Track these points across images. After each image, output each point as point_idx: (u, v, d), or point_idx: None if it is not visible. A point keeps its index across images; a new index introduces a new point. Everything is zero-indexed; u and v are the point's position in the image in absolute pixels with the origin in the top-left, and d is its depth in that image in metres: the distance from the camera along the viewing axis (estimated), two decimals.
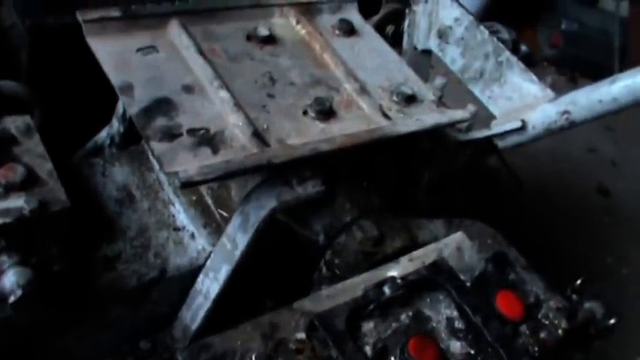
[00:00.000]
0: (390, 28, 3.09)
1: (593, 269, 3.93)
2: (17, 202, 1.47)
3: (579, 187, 4.61)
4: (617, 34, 5.45)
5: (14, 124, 1.63)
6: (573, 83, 5.51)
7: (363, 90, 1.80)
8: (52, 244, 1.55)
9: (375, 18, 3.90)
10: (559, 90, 2.18)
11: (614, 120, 4.61)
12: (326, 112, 1.69)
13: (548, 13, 5.85)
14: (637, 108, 2.01)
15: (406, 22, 2.48)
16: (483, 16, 5.38)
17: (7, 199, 1.48)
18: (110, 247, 1.72)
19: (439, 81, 2.10)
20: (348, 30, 1.99)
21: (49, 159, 1.59)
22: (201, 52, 1.70)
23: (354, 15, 2.07)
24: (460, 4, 2.32)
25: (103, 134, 1.98)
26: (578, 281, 1.76)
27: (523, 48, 5.48)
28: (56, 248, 1.56)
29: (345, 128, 1.68)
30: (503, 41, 5.19)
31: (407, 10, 2.49)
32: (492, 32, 5.12)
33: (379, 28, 4.06)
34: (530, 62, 5.55)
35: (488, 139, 2.16)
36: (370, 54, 1.97)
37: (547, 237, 3.97)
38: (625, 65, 5.24)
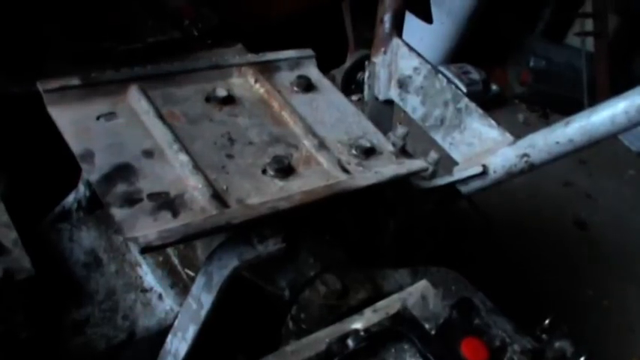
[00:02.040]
0: (360, 75, 3.15)
1: (574, 302, 3.95)
2: None
3: (556, 221, 4.66)
4: (585, 69, 5.54)
5: None
6: (545, 119, 5.59)
7: (321, 145, 1.83)
8: (18, 312, 1.57)
9: (345, 66, 3.97)
10: (532, 126, 2.22)
11: (587, 153, 4.69)
12: (285, 170, 1.71)
13: (516, 52, 5.95)
14: (608, 141, 2.05)
15: (366, 74, 2.52)
16: (453, 57, 5.48)
17: None
18: (78, 312, 1.74)
19: (401, 130, 2.14)
20: (306, 86, 2.03)
21: (13, 228, 1.61)
22: (160, 117, 1.73)
23: (312, 70, 2.11)
24: (418, 54, 2.37)
25: (70, 199, 2.01)
26: (547, 320, 1.78)
27: (494, 87, 5.56)
28: (23, 316, 1.58)
29: (304, 185, 1.71)
30: (473, 81, 5.28)
31: (366, 63, 2.54)
32: (463, 73, 5.22)
33: (349, 76, 4.13)
34: (502, 101, 5.63)
35: (452, 186, 2.19)
36: (328, 109, 2.00)
37: (526, 272, 4.01)
38: (594, 98, 5.33)
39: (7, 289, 1.52)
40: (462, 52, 5.51)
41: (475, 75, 5.36)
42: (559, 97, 5.59)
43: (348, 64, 4.09)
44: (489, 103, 5.21)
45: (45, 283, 1.62)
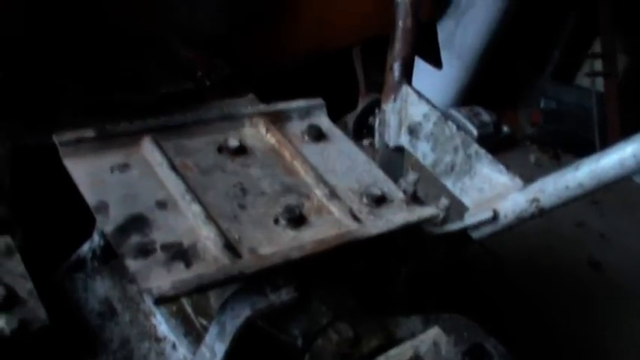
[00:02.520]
0: (372, 119, 3.18)
1: (590, 345, 3.93)
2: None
3: (570, 262, 4.65)
4: (595, 109, 5.57)
5: None
6: (556, 160, 5.60)
7: (333, 194, 1.85)
8: None
9: (357, 111, 4.01)
10: (544, 167, 2.24)
11: (599, 193, 4.69)
12: (296, 220, 1.73)
13: (527, 93, 5.99)
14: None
15: (377, 121, 2.55)
16: (464, 100, 5.52)
17: None
18: None
19: (412, 176, 2.15)
20: (317, 135, 2.05)
21: (29, 278, 1.64)
22: (173, 168, 1.76)
23: (322, 119, 2.14)
24: (428, 100, 2.40)
25: (85, 248, 2.03)
26: None
27: (505, 129, 5.59)
28: None
29: (316, 234, 1.73)
30: (484, 123, 5.31)
31: (376, 110, 2.56)
32: (474, 115, 5.25)
33: (361, 121, 4.18)
34: (513, 142, 5.65)
35: (463, 231, 2.20)
36: (339, 157, 2.02)
37: (540, 314, 3.99)
38: (605, 138, 5.35)
39: (22, 340, 1.53)
40: (472, 94, 5.55)
41: (486, 117, 5.39)
42: (570, 137, 5.61)
43: (359, 108, 4.13)
44: (501, 145, 5.24)
45: (60, 332, 1.63)
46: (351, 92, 3.90)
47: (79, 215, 1.91)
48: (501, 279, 3.77)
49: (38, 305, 1.59)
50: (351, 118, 4.16)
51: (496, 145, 4.95)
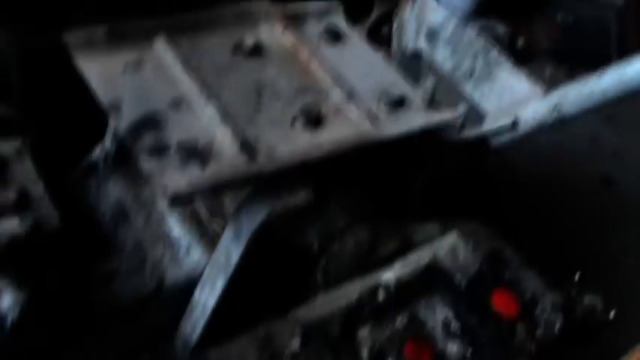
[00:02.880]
0: (385, 29, 3.10)
1: (598, 260, 3.92)
2: (10, 224, 1.49)
3: (581, 178, 4.59)
4: (614, 24, 5.44)
5: (5, 147, 1.64)
6: (572, 75, 5.50)
7: (350, 96, 1.80)
8: (47, 265, 1.57)
9: (370, 20, 3.91)
10: (558, 83, 2.18)
11: (615, 109, 4.62)
12: (314, 121, 1.69)
13: (543, 7, 5.85)
14: (637, 97, 2.01)
15: (395, 25, 2.48)
16: (479, 10, 5.39)
17: (0, 221, 1.49)
18: (107, 264, 1.74)
19: (429, 82, 2.10)
20: (334, 36, 1.99)
21: (41, 181, 1.61)
22: (187, 67, 1.71)
23: (340, 21, 2.07)
24: (446, 5, 2.33)
25: (97, 152, 1.99)
26: (577, 276, 1.77)
27: (520, 42, 5.47)
28: (51, 268, 1.58)
29: (334, 135, 1.69)
30: (499, 35, 5.20)
31: (395, 13, 2.49)
32: (488, 27, 5.13)
33: (374, 30, 4.08)
34: (528, 56, 5.54)
35: (482, 138, 2.16)
36: (357, 59, 1.97)
37: (550, 229, 3.96)
38: (623, 54, 5.24)
39: (36, 241, 1.51)
40: (489, 4, 5.42)
41: (501, 29, 5.27)
42: (586, 53, 5.49)
43: (372, 18, 4.03)
44: (515, 59, 5.14)
45: (73, 235, 1.61)
46: (361, 3, 3.81)
47: (90, 118, 1.88)
48: (515, 192, 3.73)
49: (50, 207, 1.56)
50: (362, 29, 4.06)
51: (510, 58, 4.85)
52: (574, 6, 5.61)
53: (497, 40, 5.11)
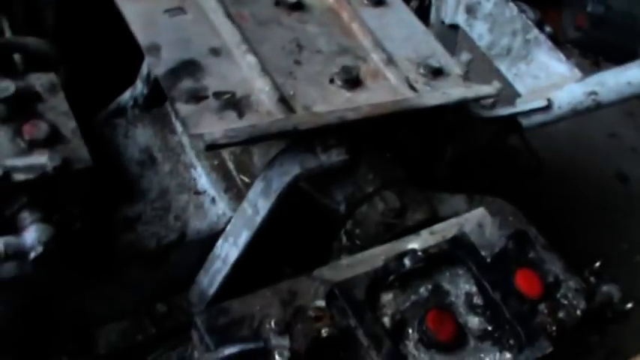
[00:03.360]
0: (414, 3, 3.06)
1: (608, 254, 3.90)
2: (40, 158, 1.47)
3: (598, 173, 4.58)
4: None
5: (39, 81, 1.62)
6: (597, 67, 5.46)
7: (390, 61, 1.79)
8: (73, 203, 1.56)
9: None
10: (583, 74, 2.16)
11: (635, 105, 4.58)
12: (352, 81, 1.68)
13: None
14: None
15: None
16: None
17: (30, 155, 1.48)
18: (131, 209, 1.72)
19: (465, 56, 2.08)
20: (377, 0, 1.97)
21: (73, 117, 1.59)
22: (229, 16, 1.69)
23: None
24: None
25: (127, 95, 1.98)
26: (597, 264, 1.76)
27: (547, 29, 5.42)
28: (78, 207, 1.56)
29: (371, 98, 1.67)
30: None
31: None
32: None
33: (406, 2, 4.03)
34: (554, 44, 5.49)
35: (513, 117, 2.14)
36: (398, 25, 1.95)
37: (563, 220, 3.95)
38: None
39: (65, 178, 1.50)
40: None
41: (529, 14, 5.22)
42: (613, 45, 5.44)
43: None
44: None
45: (100, 176, 1.59)
46: None
47: (123, 59, 1.86)
48: (536, 181, 3.72)
49: (81, 145, 1.55)
50: None
51: None
52: None
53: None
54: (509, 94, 2.23)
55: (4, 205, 1.46)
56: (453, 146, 2.02)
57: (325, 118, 1.55)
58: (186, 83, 1.52)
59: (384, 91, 1.72)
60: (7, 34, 1.90)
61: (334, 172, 1.65)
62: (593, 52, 5.59)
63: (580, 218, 4.07)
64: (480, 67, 2.38)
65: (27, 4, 2.07)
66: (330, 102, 1.62)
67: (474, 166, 2.19)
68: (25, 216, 1.46)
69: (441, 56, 1.90)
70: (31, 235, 1.43)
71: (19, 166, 1.45)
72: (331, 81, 1.68)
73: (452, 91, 1.80)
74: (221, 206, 1.77)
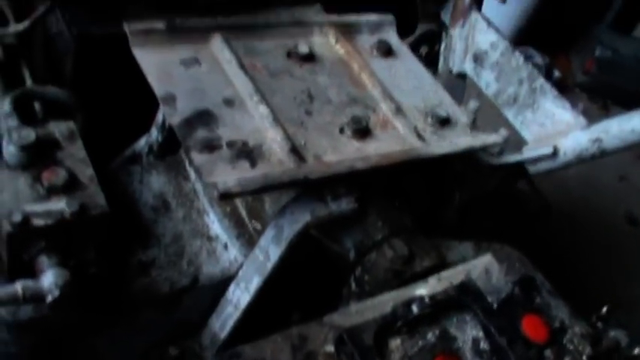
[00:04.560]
0: (424, 49, 3.12)
1: (620, 298, 3.91)
2: (59, 204, 1.52)
3: (608, 215, 4.59)
4: None
5: (58, 129, 1.67)
6: (605, 111, 5.50)
7: (398, 110, 1.83)
8: (89, 247, 1.60)
9: (410, 39, 3.92)
10: (591, 117, 2.19)
11: None
12: (362, 131, 1.72)
13: (581, 40, 5.85)
14: None
15: (443, 45, 2.50)
16: (517, 40, 5.40)
17: (49, 201, 1.53)
18: (145, 253, 1.76)
19: (473, 104, 2.12)
20: (386, 51, 2.02)
21: (90, 164, 1.64)
22: (242, 67, 1.74)
23: (392, 36, 2.10)
24: (496, 29, 2.35)
25: (142, 142, 2.02)
26: (604, 309, 1.77)
27: (556, 73, 5.48)
28: (94, 251, 1.61)
29: (380, 147, 1.72)
30: (536, 66, 5.19)
31: (444, 34, 2.52)
32: (526, 57, 5.13)
33: (413, 49, 4.09)
34: (563, 88, 5.54)
35: (520, 164, 2.17)
36: (407, 75, 2.00)
37: (574, 264, 3.96)
38: None
39: (82, 224, 1.54)
40: (526, 35, 5.43)
41: (538, 59, 5.29)
42: (622, 89, 5.49)
43: (413, 37, 4.05)
44: None
45: (115, 221, 1.63)
46: (408, 19, 3.83)
47: (137, 108, 1.91)
48: (546, 225, 3.73)
49: (98, 191, 1.59)
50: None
51: None
52: (613, 41, 5.62)
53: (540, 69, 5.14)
54: (516, 140, 2.27)
55: (22, 249, 1.50)
56: (460, 193, 2.06)
57: (335, 167, 1.59)
58: (201, 133, 1.56)
59: (393, 140, 1.76)
60: (28, 83, 1.96)
61: (344, 220, 1.68)
62: (601, 95, 5.64)
63: (590, 261, 4.08)
64: (488, 114, 2.41)
65: (46, 54, 2.13)
66: (340, 151, 1.66)
67: (482, 212, 2.22)
68: (43, 260, 1.50)
69: (448, 106, 1.95)
70: (49, 279, 1.47)
71: (38, 211, 1.50)
72: (341, 131, 1.72)
73: (459, 140, 1.85)
74: (233, 252, 1.81)
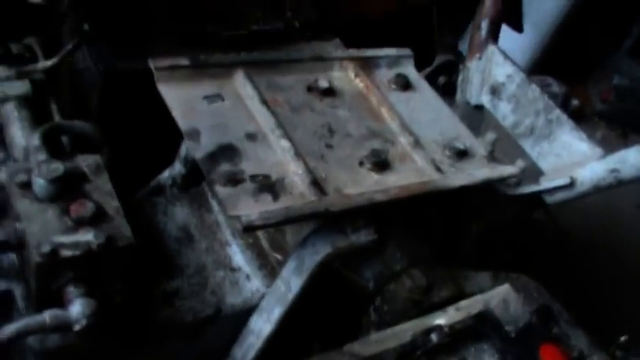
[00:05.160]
0: (442, 79, 3.17)
1: (638, 328, 3.89)
2: (86, 236, 1.56)
3: (628, 244, 4.58)
4: None
5: (85, 162, 1.72)
6: (624, 139, 5.51)
7: (417, 143, 1.87)
8: (116, 278, 1.64)
9: (428, 69, 3.97)
10: (610, 145, 2.22)
11: None
12: (381, 164, 1.76)
13: (599, 68, 5.87)
14: None
15: (460, 78, 2.54)
16: (534, 70, 5.43)
17: (77, 233, 1.57)
18: (169, 284, 1.80)
19: (490, 136, 2.16)
20: (404, 84, 2.06)
21: (116, 197, 1.68)
22: (264, 102, 1.79)
23: (410, 70, 2.14)
24: (513, 62, 2.39)
25: (166, 175, 2.07)
26: (623, 338, 1.79)
27: (574, 102, 5.50)
28: (120, 282, 1.64)
29: (400, 180, 1.75)
30: (554, 95, 5.21)
31: (461, 66, 2.56)
32: (544, 86, 5.15)
33: (431, 80, 4.14)
34: (581, 116, 5.56)
35: (537, 195, 2.20)
36: (425, 108, 2.04)
37: (593, 292, 3.95)
38: None
39: (108, 255, 1.58)
40: (544, 64, 5.45)
41: (556, 88, 5.31)
42: None
43: (431, 67, 4.10)
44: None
45: (140, 253, 1.67)
46: (427, 50, 3.87)
47: (161, 142, 1.96)
48: (564, 253, 3.74)
49: (124, 223, 1.63)
50: (423, 76, 4.12)
51: None
52: (631, 69, 5.63)
53: (552, 99, 5.15)
54: (533, 171, 2.29)
55: (51, 279, 1.54)
56: (478, 224, 2.09)
57: (355, 200, 1.63)
58: (224, 167, 1.60)
59: (412, 173, 1.80)
60: (56, 117, 2.02)
61: (364, 251, 1.72)
62: (619, 123, 5.64)
63: (611, 290, 4.07)
64: (506, 145, 2.44)
65: (73, 89, 2.19)
66: (360, 184, 1.70)
67: (500, 242, 2.25)
68: (71, 290, 1.54)
69: (465, 138, 1.98)
70: (76, 308, 1.51)
71: (66, 242, 1.54)
72: (361, 164, 1.76)
73: (476, 172, 1.88)
74: (255, 283, 1.85)
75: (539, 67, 5.46)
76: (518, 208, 2.23)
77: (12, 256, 1.67)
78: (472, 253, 2.12)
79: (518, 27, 3.37)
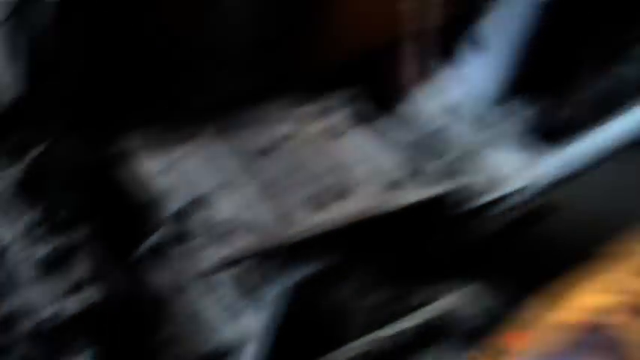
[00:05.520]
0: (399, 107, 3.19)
1: None
2: (88, 295, 1.77)
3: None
4: None
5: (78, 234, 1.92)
6: None
7: (372, 172, 2.07)
8: (116, 331, 1.80)
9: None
10: None
11: None
12: (339, 196, 1.95)
13: (574, 84, 5.93)
14: None
15: (415, 100, 2.63)
16: (506, 95, 5.48)
17: (78, 292, 1.76)
18: (165, 330, 1.96)
19: (447, 155, 2.29)
20: (359, 121, 2.26)
21: (111, 260, 1.86)
22: (232, 155, 2.02)
23: (363, 108, 2.33)
24: (468, 85, 2.56)
25: (154, 237, 2.21)
26: None
27: (548, 120, 5.51)
28: (120, 334, 1.81)
29: (357, 206, 1.94)
30: (526, 116, 5.18)
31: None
32: (507, 109, 5.12)
33: (387, 107, 4.11)
34: (557, 134, 5.57)
35: (492, 205, 2.32)
36: (377, 140, 2.23)
37: None
38: None
39: (108, 311, 1.75)
40: (515, 87, 5.50)
41: (528, 109, 5.36)
42: None
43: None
44: (543, 137, 5.18)
45: (137, 306, 1.84)
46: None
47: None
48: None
49: (122, 281, 1.82)
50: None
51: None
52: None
53: (525, 121, 5.20)
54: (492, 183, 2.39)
55: (55, 334, 1.73)
56: (437, 237, 2.21)
57: (316, 229, 1.84)
58: (197, 216, 1.84)
59: (370, 197, 1.98)
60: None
61: (332, 274, 1.91)
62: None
63: None
64: (466, 162, 2.54)
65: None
66: (323, 214, 1.90)
67: (471, 252, 2.34)
68: (75, 344, 1.73)
69: (419, 158, 2.18)
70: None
71: (69, 301, 1.74)
72: (319, 198, 1.95)
73: (430, 189, 2.06)
74: (247, 318, 1.99)
75: (511, 90, 5.51)
76: (477, 220, 2.33)
77: None
78: (435, 265, 2.22)
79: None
